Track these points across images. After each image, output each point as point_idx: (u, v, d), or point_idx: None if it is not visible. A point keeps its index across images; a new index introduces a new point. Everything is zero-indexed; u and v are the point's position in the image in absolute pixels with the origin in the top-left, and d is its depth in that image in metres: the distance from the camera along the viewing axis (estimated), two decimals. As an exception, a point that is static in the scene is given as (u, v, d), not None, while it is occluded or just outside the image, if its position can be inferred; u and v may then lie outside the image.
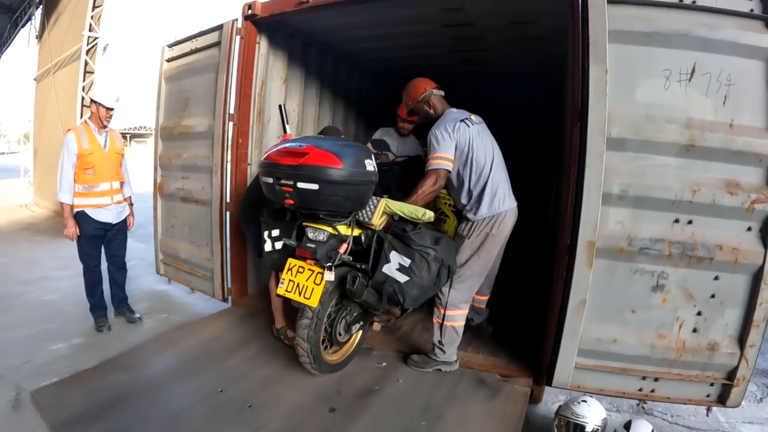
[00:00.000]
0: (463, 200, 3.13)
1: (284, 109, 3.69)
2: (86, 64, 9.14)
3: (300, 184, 2.57)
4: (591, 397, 2.63)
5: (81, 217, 3.85)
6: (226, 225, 4.04)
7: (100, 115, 3.84)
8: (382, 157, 4.38)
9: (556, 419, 2.59)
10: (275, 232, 3.01)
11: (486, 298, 3.67)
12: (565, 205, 2.71)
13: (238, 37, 3.90)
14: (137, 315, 4.32)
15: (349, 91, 5.67)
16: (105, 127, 3.92)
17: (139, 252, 6.44)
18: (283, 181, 2.60)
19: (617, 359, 2.71)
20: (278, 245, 3.00)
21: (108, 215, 3.95)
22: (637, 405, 2.87)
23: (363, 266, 2.98)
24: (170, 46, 4.67)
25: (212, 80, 4.04)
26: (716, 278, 2.52)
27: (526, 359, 3.19)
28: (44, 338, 3.83)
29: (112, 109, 3.87)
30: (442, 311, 3.14)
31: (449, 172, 3.05)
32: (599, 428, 2.47)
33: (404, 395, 2.82)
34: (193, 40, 4.37)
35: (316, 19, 3.94)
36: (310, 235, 2.87)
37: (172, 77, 4.64)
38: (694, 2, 2.39)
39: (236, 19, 3.91)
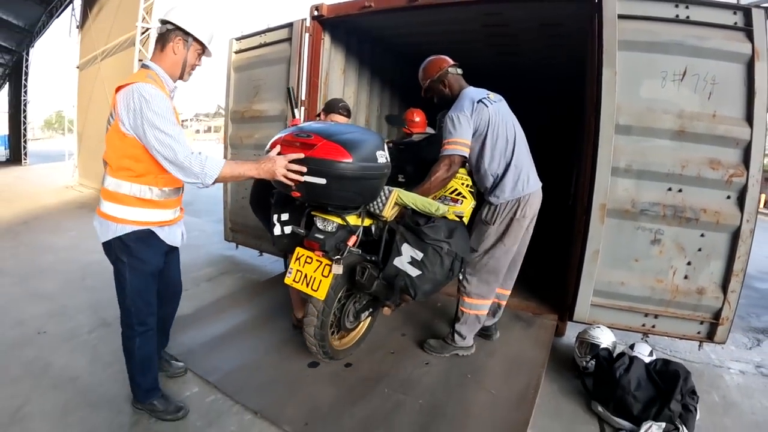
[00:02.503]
0: (486, 183, 3.20)
1: (293, 91, 3.58)
2: (139, 52, 10.09)
3: (307, 178, 2.49)
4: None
5: (143, 242, 2.46)
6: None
7: (188, 60, 2.49)
8: (399, 133, 4.66)
9: (577, 341, 3.50)
10: (284, 216, 2.98)
11: (508, 292, 3.63)
12: (583, 176, 3.58)
13: (306, 35, 4.83)
14: (180, 363, 3.17)
15: (394, 78, 6.61)
16: (176, 85, 2.56)
17: (195, 225, 7.45)
18: None
19: (624, 299, 3.58)
20: (287, 230, 2.98)
21: (178, 233, 2.68)
22: (642, 339, 3.66)
23: (373, 258, 3.01)
24: (238, 39, 5.62)
25: (283, 71, 4.97)
26: (702, 235, 3.35)
27: (553, 301, 4.11)
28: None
29: (205, 51, 2.57)
30: (466, 299, 3.32)
31: (464, 157, 3.09)
32: (609, 348, 3.33)
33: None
34: (262, 35, 5.30)
35: (373, 19, 4.85)
36: (319, 224, 2.87)
37: (241, 67, 5.59)
38: (688, 17, 3.21)
39: (305, 19, 4.84)
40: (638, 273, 3.51)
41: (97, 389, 2.92)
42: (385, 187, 2.96)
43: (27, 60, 19.21)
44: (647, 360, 3.15)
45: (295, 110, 3.20)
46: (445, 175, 3.09)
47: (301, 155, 2.48)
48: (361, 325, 3.45)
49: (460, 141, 3.04)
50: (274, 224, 2.99)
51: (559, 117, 7.05)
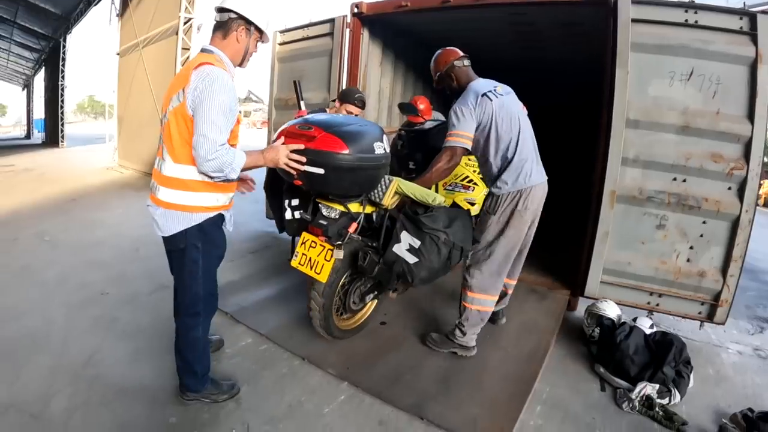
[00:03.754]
0: (490, 174, 3.35)
1: (299, 85, 3.66)
2: (182, 41, 10.77)
3: (307, 168, 2.66)
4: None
5: (216, 226, 2.62)
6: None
7: (249, 48, 2.60)
8: (409, 120, 4.96)
9: (586, 314, 3.96)
10: (294, 202, 3.22)
11: (514, 282, 3.84)
12: (596, 165, 4.02)
13: (347, 30, 5.36)
14: (216, 336, 3.42)
15: (427, 70, 7.07)
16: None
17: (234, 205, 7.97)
18: None
19: (631, 278, 4.03)
20: (297, 215, 3.22)
21: (231, 220, 2.77)
22: (647, 316, 4.01)
23: (374, 244, 3.24)
24: (281, 32, 6.18)
25: (325, 62, 5.52)
26: (704, 222, 3.76)
27: (566, 278, 4.60)
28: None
29: (262, 37, 2.67)
30: (468, 293, 3.39)
31: (466, 149, 3.25)
32: (614, 319, 3.78)
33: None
34: (305, 29, 5.85)
35: (408, 17, 5.34)
36: (324, 211, 3.07)
37: (285, 58, 6.16)
38: (696, 22, 3.59)
39: (345, 16, 5.38)
40: (644, 254, 3.95)
41: (163, 338, 3.40)
42: (386, 177, 3.15)
43: (64, 46, 20.24)
44: (648, 331, 3.60)
45: (302, 102, 3.24)
46: (446, 166, 3.25)
47: (302, 146, 2.66)
48: (366, 307, 3.73)
49: (462, 133, 3.20)
50: (285, 209, 3.22)
51: (579, 108, 7.48)
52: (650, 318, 3.91)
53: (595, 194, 4.02)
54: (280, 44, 6.24)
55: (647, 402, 3.10)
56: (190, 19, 11.15)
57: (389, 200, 3.15)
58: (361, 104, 4.03)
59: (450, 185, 3.91)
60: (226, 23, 2.50)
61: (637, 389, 3.17)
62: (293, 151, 2.63)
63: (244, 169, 2.49)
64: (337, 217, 3.05)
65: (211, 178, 2.43)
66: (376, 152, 2.87)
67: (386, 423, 2.82)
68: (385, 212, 3.25)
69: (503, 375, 3.28)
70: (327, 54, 5.52)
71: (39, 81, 23.73)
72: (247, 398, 2.95)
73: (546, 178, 3.39)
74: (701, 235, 3.79)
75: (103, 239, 6.05)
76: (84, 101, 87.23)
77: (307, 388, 3.07)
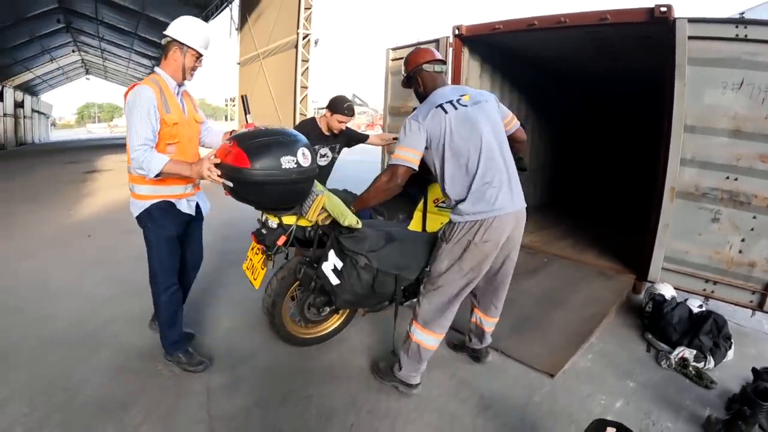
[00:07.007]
0: (450, 198, 3.06)
1: (246, 99, 3.76)
2: (301, 54, 12.43)
3: (224, 181, 2.87)
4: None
5: (162, 211, 3.24)
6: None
7: (186, 64, 3.16)
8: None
9: (646, 295, 4.73)
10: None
11: (493, 320, 3.63)
12: (659, 165, 4.77)
13: (450, 48, 6.50)
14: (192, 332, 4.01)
15: (521, 81, 8.07)
16: (183, 84, 3.27)
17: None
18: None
19: (688, 266, 4.74)
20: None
21: (193, 206, 3.44)
22: (702, 302, 4.61)
23: (309, 259, 3.39)
24: (393, 49, 7.42)
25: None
26: (754, 217, 4.34)
27: (632, 264, 5.39)
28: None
29: (201, 57, 3.22)
30: (413, 323, 3.21)
31: (412, 169, 2.99)
32: (668, 300, 4.46)
33: (556, 271, 5.43)
34: (413, 48, 6.95)
35: (502, 37, 6.33)
36: (268, 222, 3.27)
37: (396, 72, 7.45)
38: (746, 36, 4.18)
39: (448, 36, 6.54)
40: (700, 245, 4.64)
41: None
42: (315, 191, 3.20)
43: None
44: (695, 310, 4.32)
45: (248, 115, 3.45)
46: (385, 187, 3.06)
47: (218, 160, 2.90)
48: (332, 319, 3.94)
49: (408, 150, 2.97)
50: (258, 218, 3.49)
51: (647, 114, 8.06)
52: (704, 303, 4.55)
53: (657, 190, 4.78)
54: (393, 60, 7.54)
55: (683, 362, 3.85)
56: (308, 35, 12.81)
57: (314, 215, 3.17)
58: (350, 112, 4.58)
59: (443, 202, 3.82)
60: (165, 46, 3.18)
61: (676, 351, 3.94)
62: (216, 165, 2.93)
63: (174, 176, 3.04)
64: (274, 227, 3.26)
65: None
66: (283, 167, 2.87)
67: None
68: (316, 228, 3.36)
69: (564, 329, 4.26)
70: (431, 70, 6.63)
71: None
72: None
73: (522, 205, 3.10)
74: (752, 229, 4.37)
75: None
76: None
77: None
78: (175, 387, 3.41)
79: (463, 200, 2.94)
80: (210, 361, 3.63)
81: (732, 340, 4.05)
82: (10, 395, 3.26)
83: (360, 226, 3.12)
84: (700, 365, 3.82)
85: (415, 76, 3.23)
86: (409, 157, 2.95)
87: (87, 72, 46.03)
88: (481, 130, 2.93)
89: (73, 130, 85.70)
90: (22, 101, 33.85)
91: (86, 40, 29.65)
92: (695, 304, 4.41)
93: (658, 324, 4.21)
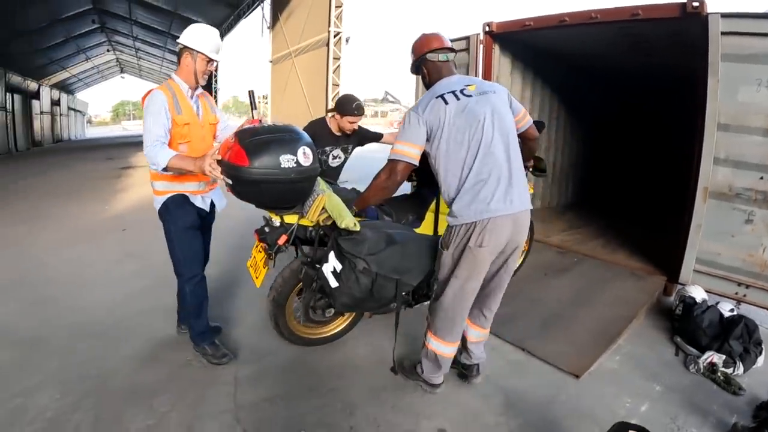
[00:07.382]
0: (447, 198, 2.93)
1: (253, 94, 3.73)
2: (332, 52, 12.57)
3: (224, 177, 2.86)
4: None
5: (177, 204, 3.38)
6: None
7: (197, 68, 3.32)
8: None
9: (676, 298, 4.66)
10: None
11: (480, 330, 3.36)
12: (692, 165, 4.69)
13: (480, 45, 6.51)
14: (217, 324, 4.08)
15: (553, 77, 8.01)
16: (197, 87, 3.43)
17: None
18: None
19: (720, 268, 4.65)
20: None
21: (208, 202, 3.60)
22: (734, 306, 4.47)
23: (310, 259, 3.38)
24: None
25: (462, 74, 6.57)
26: None
27: (664, 265, 5.32)
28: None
29: (212, 62, 3.37)
30: (427, 332, 3.21)
31: (412, 165, 2.90)
32: (699, 303, 4.37)
33: (587, 271, 5.42)
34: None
35: (532, 34, 6.29)
36: (272, 220, 3.29)
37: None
38: None
39: (479, 33, 6.53)
40: (733, 247, 4.54)
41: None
42: (317, 191, 3.16)
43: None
44: (726, 314, 4.24)
45: (254, 111, 3.41)
46: (384, 185, 2.97)
47: (219, 157, 2.91)
48: (337, 321, 3.91)
49: (407, 145, 2.86)
50: (264, 216, 3.50)
51: (682, 110, 7.95)
52: (735, 307, 4.45)
53: (690, 190, 4.70)
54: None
55: (711, 367, 3.79)
56: (339, 33, 12.92)
57: (315, 216, 3.12)
58: (360, 111, 4.43)
59: None
60: (178, 53, 3.40)
61: (705, 356, 3.87)
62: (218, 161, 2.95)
63: (180, 169, 3.10)
64: (276, 226, 3.26)
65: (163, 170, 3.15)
66: (282, 166, 2.82)
67: (497, 349, 3.98)
68: (317, 228, 3.32)
69: (592, 329, 4.24)
70: (464, 66, 6.73)
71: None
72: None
73: (523, 207, 2.89)
74: (787, 231, 4.32)
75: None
76: (229, 101, 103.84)
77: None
78: (204, 377, 3.54)
79: (454, 200, 2.83)
80: (235, 355, 3.73)
81: (763, 346, 3.98)
82: (43, 381, 3.43)
83: (358, 228, 3.06)
84: (729, 371, 3.76)
85: (421, 64, 3.09)
86: (408, 151, 2.85)
87: (122, 71, 47.26)
88: (483, 122, 2.77)
89: (109, 127, 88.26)
90: (59, 99, 35.10)
91: (120, 39, 30.44)
92: (726, 308, 4.31)
93: (687, 327, 4.15)
